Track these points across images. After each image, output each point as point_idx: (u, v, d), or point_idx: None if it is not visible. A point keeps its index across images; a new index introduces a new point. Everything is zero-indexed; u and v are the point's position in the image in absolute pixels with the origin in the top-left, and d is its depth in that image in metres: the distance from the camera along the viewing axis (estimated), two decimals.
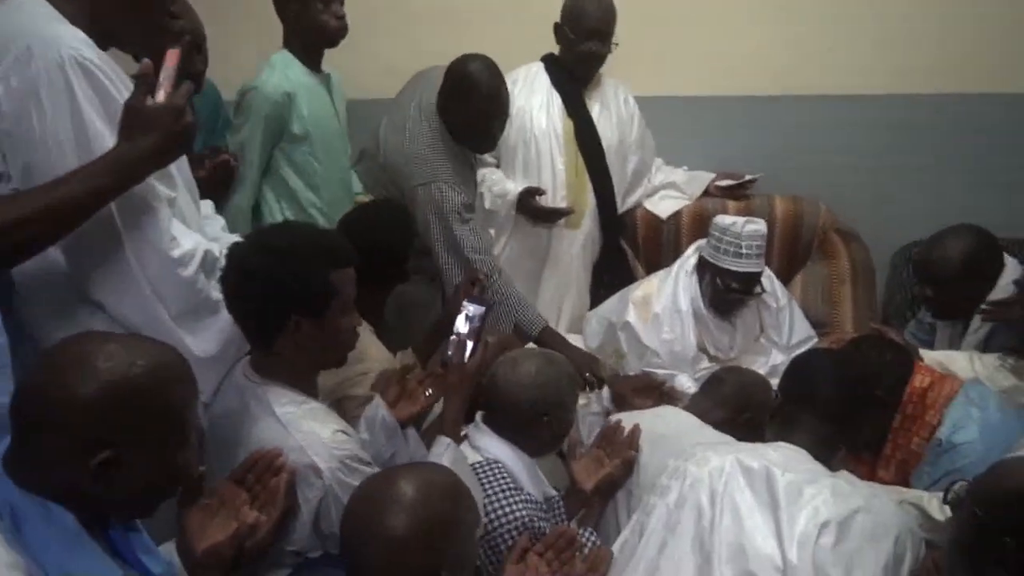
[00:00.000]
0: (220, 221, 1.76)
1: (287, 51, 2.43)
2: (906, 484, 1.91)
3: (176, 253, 1.46)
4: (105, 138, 1.37)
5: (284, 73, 2.38)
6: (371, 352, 1.94)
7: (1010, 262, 2.31)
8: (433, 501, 1.28)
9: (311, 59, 2.45)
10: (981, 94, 2.98)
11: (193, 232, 1.54)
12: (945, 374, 2.03)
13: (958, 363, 2.12)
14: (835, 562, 1.39)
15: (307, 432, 1.45)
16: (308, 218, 2.41)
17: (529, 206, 2.76)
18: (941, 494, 1.53)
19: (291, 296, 1.44)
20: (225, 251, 1.50)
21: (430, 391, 1.73)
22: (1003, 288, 2.24)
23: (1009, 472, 1.21)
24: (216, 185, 2.22)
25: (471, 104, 2.40)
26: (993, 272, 2.27)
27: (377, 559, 1.25)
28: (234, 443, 1.47)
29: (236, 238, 1.60)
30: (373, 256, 1.85)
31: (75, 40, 1.38)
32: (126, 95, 1.38)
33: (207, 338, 1.51)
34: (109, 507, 1.11)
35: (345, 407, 1.76)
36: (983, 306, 2.23)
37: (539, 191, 2.76)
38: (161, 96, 1.36)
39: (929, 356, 2.17)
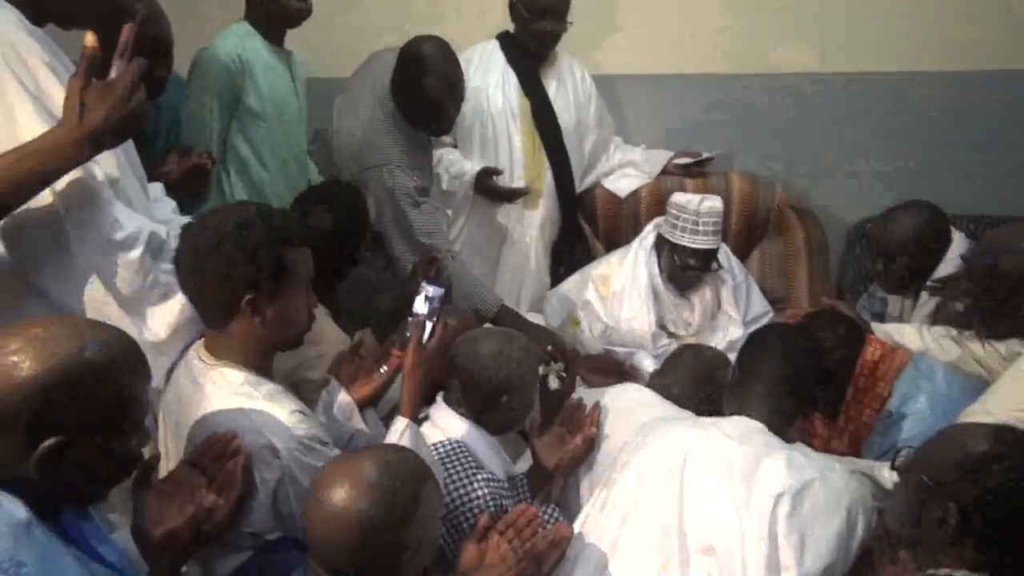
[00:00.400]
0: (170, 203, 1.72)
1: (247, 22, 2.38)
2: (859, 454, 1.96)
3: (119, 236, 1.42)
4: (34, 120, 1.32)
5: (241, 41, 2.33)
6: (327, 334, 1.92)
7: (957, 236, 2.38)
8: (396, 484, 1.27)
9: (272, 35, 2.39)
10: (933, 73, 3.03)
11: (138, 214, 1.50)
12: (895, 347, 2.08)
13: (908, 335, 2.17)
14: (790, 531, 1.42)
15: (264, 413, 1.43)
16: (260, 196, 2.37)
17: (487, 186, 2.75)
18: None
19: (245, 276, 1.42)
20: (177, 232, 1.46)
21: (385, 368, 1.71)
22: (951, 261, 2.30)
23: (951, 439, 1.25)
24: (191, 185, 2.12)
25: (424, 87, 2.37)
26: (942, 246, 2.34)
27: (340, 542, 1.24)
28: (189, 426, 1.44)
29: (188, 220, 1.56)
30: (327, 237, 1.82)
31: (5, 22, 1.33)
32: (63, 74, 1.34)
33: (157, 323, 1.48)
34: (59, 494, 1.08)
35: (302, 390, 1.74)
36: (929, 283, 2.29)
37: (496, 171, 2.75)
38: (112, 72, 1.31)
39: (880, 329, 2.22)
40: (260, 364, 1.52)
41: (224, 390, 1.45)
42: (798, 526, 1.43)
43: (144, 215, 1.52)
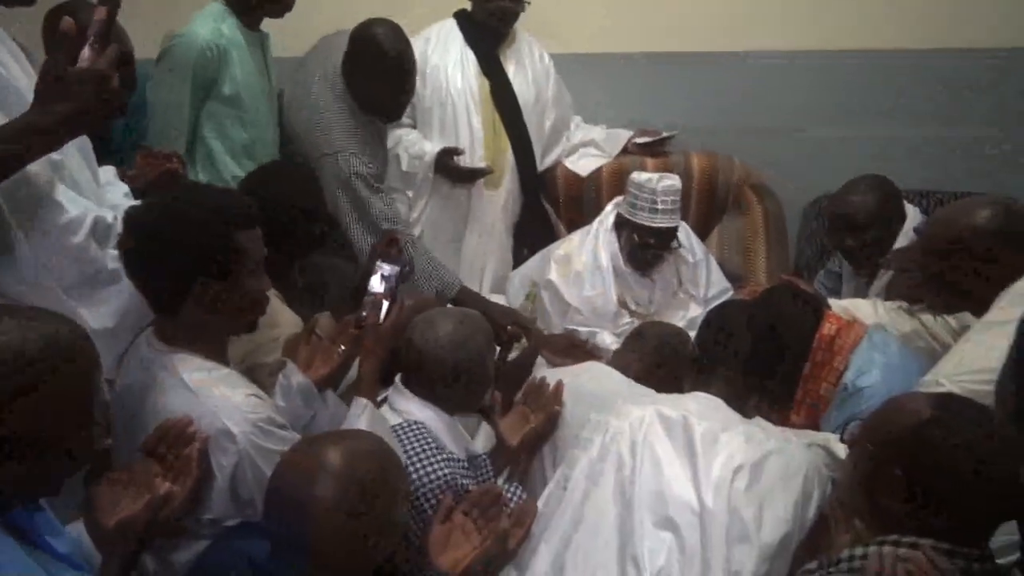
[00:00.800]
0: (122, 188, 1.68)
1: (223, 4, 2.29)
2: (816, 428, 1.99)
3: (63, 220, 1.39)
4: None
5: (217, 26, 2.24)
6: (282, 317, 1.90)
7: (911, 210, 2.43)
8: (361, 468, 1.27)
9: (250, 18, 2.31)
10: (888, 51, 3.07)
11: (83, 198, 1.46)
12: (851, 321, 2.12)
13: (863, 310, 2.20)
14: (748, 503, 1.45)
15: (218, 397, 1.41)
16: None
17: (447, 167, 2.73)
18: None
19: (194, 259, 1.39)
20: (122, 215, 1.43)
21: (343, 348, 1.70)
22: (906, 234, 2.35)
23: (896, 409, 1.28)
24: (160, 190, 2.02)
25: (376, 71, 2.33)
26: (900, 219, 2.38)
27: (304, 528, 1.23)
28: (143, 415, 1.42)
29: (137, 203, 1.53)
30: (279, 219, 1.80)
31: None
32: (8, 60, 1.29)
33: (104, 310, 1.45)
34: (10, 488, 1.06)
35: (257, 375, 1.72)
36: (888, 256, 2.33)
37: (457, 151, 2.73)
38: (85, 59, 1.25)
39: (837, 304, 2.25)
40: (214, 349, 1.49)
41: (177, 376, 1.42)
42: (756, 498, 1.46)
43: (93, 199, 1.49)
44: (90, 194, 1.51)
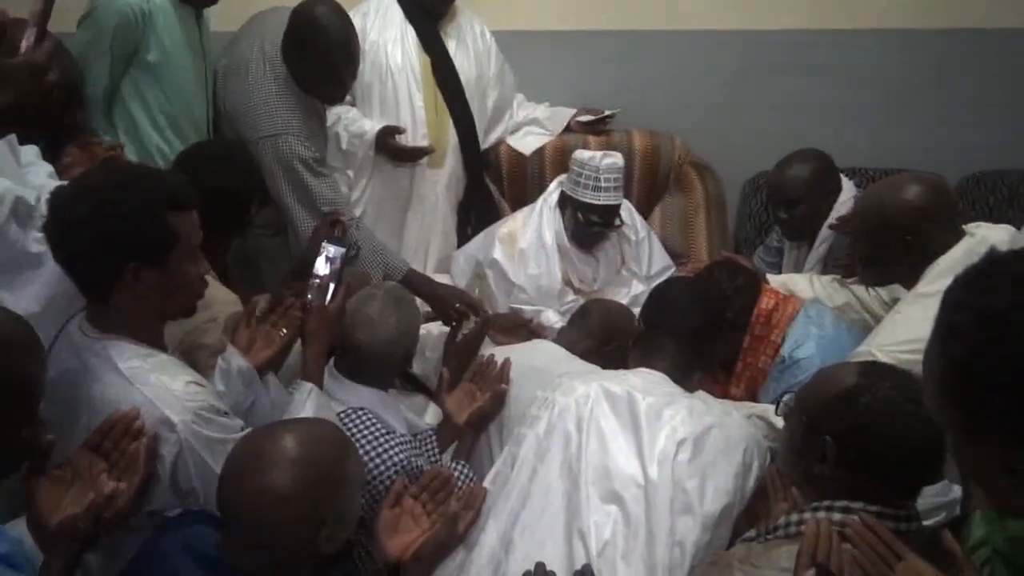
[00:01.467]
0: (47, 168, 1.61)
1: None
2: (756, 399, 2.05)
3: None
4: None
5: None
6: (217, 296, 1.84)
7: (846, 183, 2.50)
8: (318, 455, 1.25)
9: None
10: (821, 31, 3.13)
11: (2, 178, 1.39)
12: (788, 295, 2.18)
13: (799, 284, 2.27)
14: (691, 475, 1.48)
15: (156, 386, 1.37)
16: (151, 163, 2.23)
17: (389, 146, 2.70)
18: None
19: (126, 243, 1.34)
20: (47, 197, 1.37)
21: (284, 331, 1.67)
22: (843, 205, 2.42)
23: (826, 379, 1.33)
24: None
25: (319, 52, 2.26)
26: (834, 190, 2.45)
27: (262, 515, 1.21)
28: (75, 406, 1.37)
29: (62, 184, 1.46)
30: (214, 198, 1.75)
31: None
32: None
33: (28, 294, 1.40)
34: None
35: (197, 357, 1.68)
36: (830, 221, 2.40)
37: (398, 130, 2.69)
38: (22, 48, 1.22)
39: (775, 279, 2.32)
40: (149, 335, 1.45)
41: (111, 364, 1.37)
42: (699, 470, 1.49)
43: (14, 180, 1.42)
44: (10, 172, 1.44)
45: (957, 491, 1.55)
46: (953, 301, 0.86)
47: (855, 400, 1.24)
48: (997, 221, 2.08)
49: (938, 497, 1.50)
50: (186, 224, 1.41)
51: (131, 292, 1.37)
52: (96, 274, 1.37)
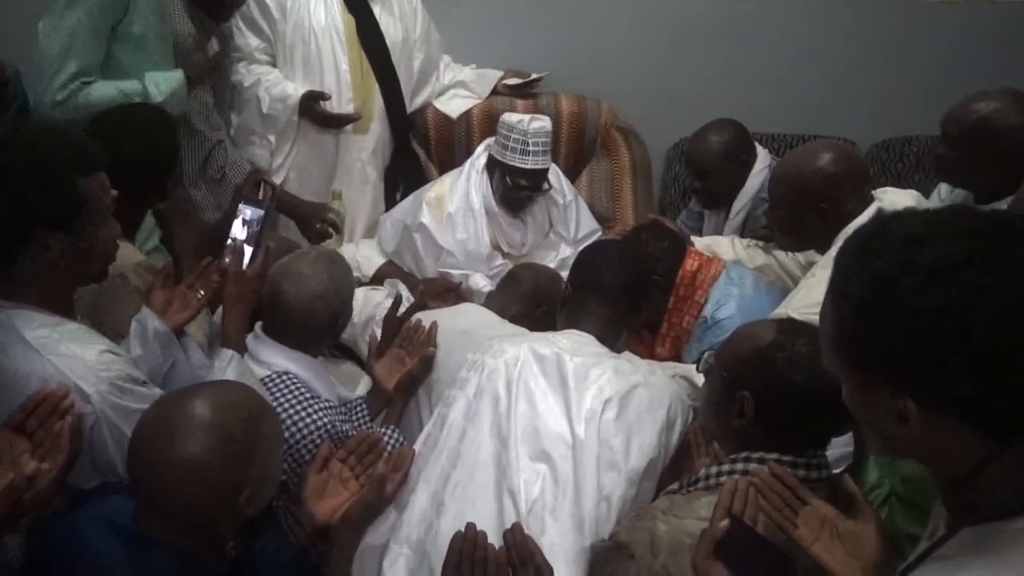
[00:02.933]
0: None
1: None
2: (680, 359, 2.11)
3: None
4: None
5: None
6: (122, 253, 1.77)
7: (761, 151, 2.57)
8: (230, 420, 1.22)
9: None
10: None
11: None
12: (712, 257, 2.24)
13: (722, 246, 2.33)
14: (616, 432, 1.52)
15: (67, 356, 1.31)
16: None
17: (313, 112, 2.64)
18: None
19: (33, 211, 1.27)
20: None
21: (202, 292, 1.63)
22: (758, 174, 2.49)
23: (743, 336, 1.38)
24: None
25: None
26: (749, 158, 2.52)
27: (175, 484, 1.19)
28: None
29: None
30: (130, 163, 1.68)
31: None
32: None
33: None
34: None
35: (111, 320, 1.61)
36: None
37: (323, 96, 2.63)
38: None
39: (699, 242, 2.38)
40: (58, 303, 1.38)
41: (17, 335, 1.31)
42: (624, 427, 1.53)
43: None
44: None
45: None
46: (843, 264, 0.91)
47: (772, 357, 1.29)
48: (905, 186, 2.18)
49: (847, 448, 1.59)
50: (96, 187, 1.35)
51: (40, 261, 1.31)
52: None
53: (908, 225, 0.88)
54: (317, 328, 1.79)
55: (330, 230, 2.47)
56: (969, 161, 1.95)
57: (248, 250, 1.64)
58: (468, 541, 1.39)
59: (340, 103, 2.70)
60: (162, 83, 2.13)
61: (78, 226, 1.33)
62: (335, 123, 2.69)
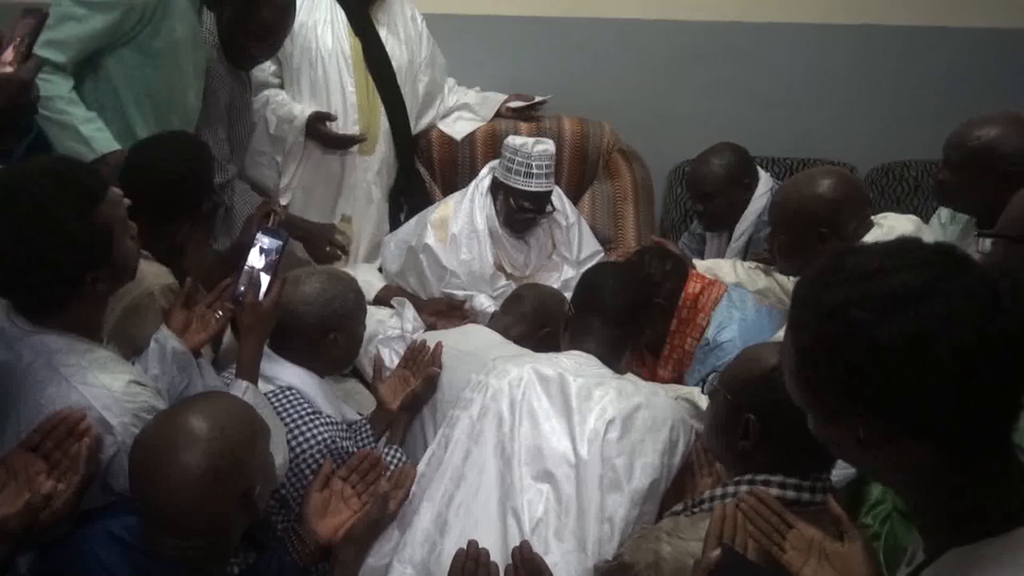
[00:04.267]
0: None
1: None
2: (682, 381, 2.12)
3: None
4: None
5: None
6: (146, 271, 1.78)
7: (763, 175, 2.59)
8: (227, 431, 1.23)
9: None
10: (750, 23, 3.23)
11: None
12: (714, 279, 2.25)
13: (723, 269, 2.35)
14: (620, 452, 1.53)
15: (94, 386, 1.32)
16: (130, 141, 2.06)
17: (319, 132, 2.67)
18: None
19: (76, 263, 1.31)
20: None
21: (220, 314, 1.64)
22: (760, 197, 2.51)
23: (747, 359, 1.40)
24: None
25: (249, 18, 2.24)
26: (750, 183, 2.54)
27: (170, 498, 1.20)
28: (5, 400, 1.32)
29: None
30: (163, 188, 1.70)
31: None
32: None
33: None
34: None
35: (133, 337, 1.62)
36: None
37: (329, 116, 2.66)
38: (8, 61, 1.23)
39: (700, 264, 2.39)
40: (88, 326, 1.40)
41: (46, 360, 1.32)
42: (627, 448, 1.54)
43: None
44: None
45: None
46: (801, 296, 0.93)
47: (776, 379, 1.30)
48: (903, 210, 2.20)
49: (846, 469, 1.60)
50: (111, 208, 1.36)
51: (88, 296, 1.34)
52: (47, 295, 1.33)
53: (861, 259, 0.90)
54: (306, 335, 1.76)
55: (338, 252, 2.48)
56: (972, 186, 1.96)
57: (265, 279, 1.63)
58: (470, 559, 1.39)
59: (346, 124, 2.72)
60: (99, 141, 2.03)
61: (113, 252, 1.36)
62: (340, 144, 2.72)
